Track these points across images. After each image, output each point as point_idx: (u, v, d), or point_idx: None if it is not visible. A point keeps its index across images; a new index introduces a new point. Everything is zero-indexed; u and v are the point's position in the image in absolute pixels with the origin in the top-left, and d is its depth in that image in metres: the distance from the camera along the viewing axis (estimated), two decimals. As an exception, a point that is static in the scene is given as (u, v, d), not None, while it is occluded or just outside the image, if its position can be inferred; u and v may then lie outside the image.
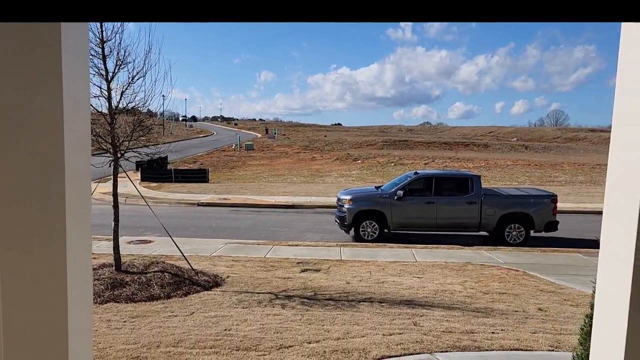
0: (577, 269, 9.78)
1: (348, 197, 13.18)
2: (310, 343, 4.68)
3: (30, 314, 1.60)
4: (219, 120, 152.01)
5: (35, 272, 1.58)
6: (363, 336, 4.95)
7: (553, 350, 4.80)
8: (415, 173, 13.79)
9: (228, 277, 8.21)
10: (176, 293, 6.98)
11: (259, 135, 72.64)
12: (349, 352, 4.46)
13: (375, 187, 14.53)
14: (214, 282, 7.69)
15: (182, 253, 8.33)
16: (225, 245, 11.73)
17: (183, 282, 7.42)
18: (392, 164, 35.64)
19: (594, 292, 2.91)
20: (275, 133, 71.89)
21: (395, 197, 12.82)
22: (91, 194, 1.93)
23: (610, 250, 1.99)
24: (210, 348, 4.46)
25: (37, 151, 1.58)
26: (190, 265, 8.08)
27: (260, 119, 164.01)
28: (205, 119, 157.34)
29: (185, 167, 33.64)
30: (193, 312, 5.94)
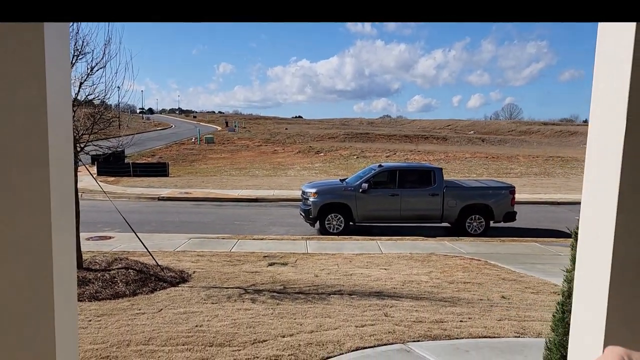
0: (535, 257, 10.13)
1: (313, 190, 13.19)
2: (284, 337, 4.67)
3: (17, 312, 1.53)
4: (177, 112, 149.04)
5: (21, 269, 1.51)
6: (336, 328, 4.98)
7: (519, 337, 4.96)
8: (380, 166, 13.92)
9: (194, 272, 8.09)
10: (142, 290, 6.82)
11: (219, 128, 71.68)
12: (323, 344, 4.48)
13: (340, 180, 14.60)
14: (180, 278, 7.57)
15: (147, 249, 8.15)
16: (189, 240, 11.55)
17: (149, 278, 7.26)
18: (355, 157, 35.88)
19: (565, 280, 3.00)
20: (235, 126, 71.12)
21: (360, 190, 12.91)
22: (74, 189, 1.87)
23: (589, 240, 2.06)
24: (183, 345, 4.39)
25: (21, 147, 1.51)
26: (156, 261, 7.92)
27: (219, 112, 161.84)
28: (163, 111, 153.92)
29: (143, 161, 32.87)
30: (161, 309, 5.83)
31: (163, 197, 19.51)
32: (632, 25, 1.82)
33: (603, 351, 1.73)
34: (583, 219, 2.16)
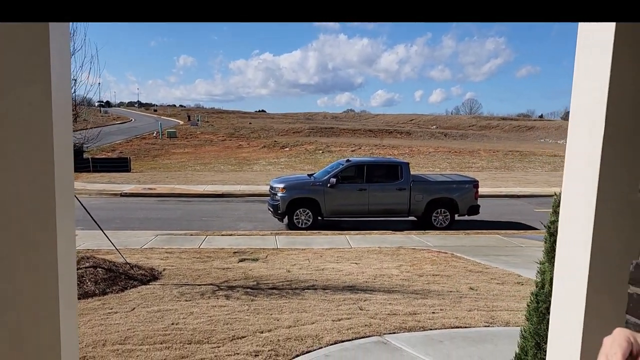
0: (498, 249, 10.45)
1: (281, 186, 13.20)
2: (262, 332, 4.70)
3: (25, 310, 1.53)
4: (136, 105, 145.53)
5: (26, 266, 1.51)
6: (313, 323, 5.04)
7: (489, 326, 5.14)
8: (347, 161, 14.04)
9: (164, 269, 8.00)
10: (112, 289, 6.70)
11: (181, 122, 70.51)
12: (302, 339, 4.53)
13: (308, 175, 14.65)
14: (151, 276, 7.46)
15: (115, 247, 8.00)
16: (156, 237, 11.39)
17: (118, 277, 7.14)
18: (320, 152, 35.99)
19: (538, 271, 3.14)
20: (198, 120, 70.10)
21: (328, 185, 13.00)
22: (74, 189, 1.86)
23: (568, 236, 2.17)
24: (161, 343, 4.36)
25: (27, 147, 1.50)
26: (125, 259, 7.78)
27: (180, 105, 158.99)
28: (121, 104, 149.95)
29: (104, 156, 32.08)
30: (134, 308, 5.75)
31: (126, 193, 19.13)
32: (612, 25, 1.93)
33: (582, 343, 1.84)
34: (563, 214, 2.27)
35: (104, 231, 8.30)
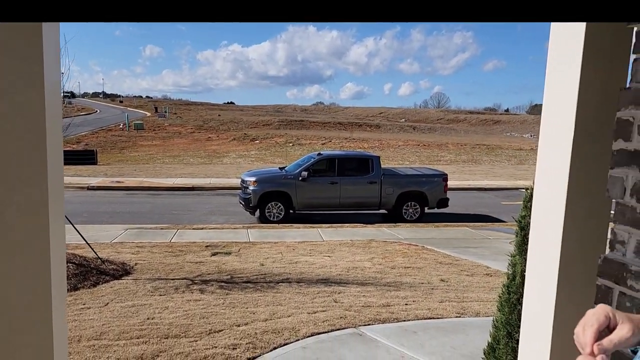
0: (467, 241, 10.71)
1: (252, 179, 13.17)
2: (239, 326, 4.73)
3: (19, 307, 1.55)
4: (101, 96, 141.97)
5: (19, 262, 1.52)
6: (289, 316, 5.10)
7: (460, 317, 5.30)
8: (319, 154, 14.10)
9: (136, 264, 7.92)
10: (83, 284, 6.61)
11: (149, 114, 69.23)
12: (279, 331, 4.59)
13: (280, 168, 14.66)
14: (123, 270, 7.39)
15: (86, 241, 7.87)
16: (126, 231, 11.23)
17: (90, 272, 7.04)
18: (291, 144, 35.94)
19: (509, 264, 3.27)
20: (165, 112, 68.92)
21: (300, 178, 13.04)
22: (63, 189, 1.87)
23: (540, 230, 2.29)
24: (138, 338, 4.35)
25: (20, 147, 1.51)
26: (96, 254, 7.67)
27: (147, 96, 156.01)
28: (85, 95, 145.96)
29: (68, 148, 31.25)
30: (107, 303, 5.69)
31: (93, 186, 18.73)
32: (583, 25, 2.03)
33: (552, 332, 1.95)
34: (535, 209, 2.38)
35: (74, 225, 8.15)
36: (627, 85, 1.56)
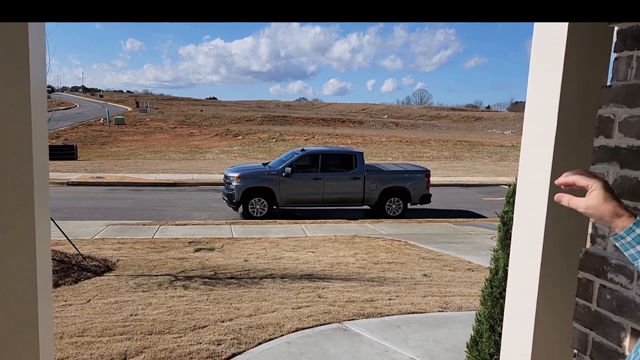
0: (450, 237, 10.82)
1: (236, 175, 13.12)
2: (224, 322, 4.72)
3: (4, 304, 1.54)
4: (81, 91, 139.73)
5: (8, 264, 1.51)
6: (274, 311, 5.10)
7: (443, 311, 5.37)
8: (302, 150, 14.09)
9: (118, 260, 7.85)
10: (65, 281, 6.53)
11: (130, 109, 68.40)
12: (264, 327, 4.59)
13: (263, 164, 14.62)
14: (105, 267, 7.31)
15: (67, 237, 7.77)
16: (107, 227, 11.11)
17: (71, 268, 6.95)
18: (274, 140, 35.84)
19: (492, 258, 3.32)
20: (147, 107, 68.17)
21: (284, 174, 13.03)
22: (49, 187, 1.86)
23: (523, 225, 2.33)
24: (121, 335, 4.31)
25: (5, 140, 1.49)
26: (77, 250, 7.58)
27: (128, 91, 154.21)
28: (65, 89, 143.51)
29: (48, 143, 30.74)
30: (89, 300, 5.64)
31: (73, 182, 18.48)
32: (565, 25, 2.07)
33: (534, 324, 1.99)
34: (518, 205, 2.42)
35: (54, 221, 8.03)
36: (608, 84, 1.60)
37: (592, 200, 1.04)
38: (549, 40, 2.09)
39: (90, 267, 7.16)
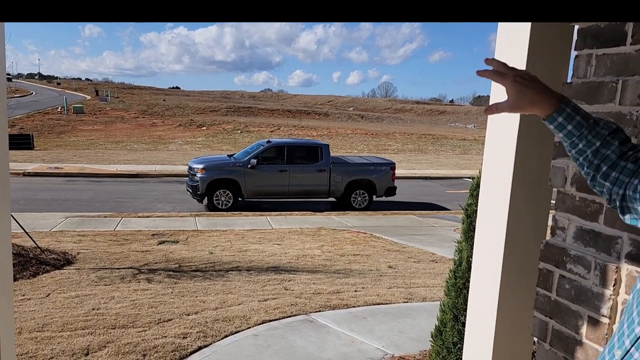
0: (414, 229, 10.99)
1: (200, 166, 12.96)
2: (189, 315, 4.68)
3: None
4: (37, 78, 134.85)
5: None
6: (240, 304, 5.09)
7: (407, 302, 5.46)
8: (268, 142, 14.02)
9: (79, 253, 7.66)
10: (22, 274, 6.33)
11: (89, 97, 66.44)
12: (230, 319, 4.57)
13: (228, 155, 14.48)
14: (64, 260, 7.12)
15: (24, 229, 7.52)
16: (67, 220, 10.81)
17: (29, 261, 6.74)
18: (239, 131, 35.51)
19: (456, 250, 3.39)
20: (107, 95, 66.40)
21: (249, 166, 12.95)
22: (9, 177, 1.80)
23: (486, 218, 2.39)
24: (83, 329, 4.22)
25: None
26: (35, 243, 7.35)
27: (87, 79, 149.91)
28: (20, 76, 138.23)
29: (7, 134, 29.58)
30: (49, 294, 5.49)
31: (29, 172, 17.87)
32: (528, 25, 2.13)
33: (497, 313, 2.06)
34: (482, 198, 2.48)
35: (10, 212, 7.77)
36: (569, 81, 1.66)
37: (510, 98, 1.04)
38: (512, 38, 2.14)
39: (49, 261, 6.97)
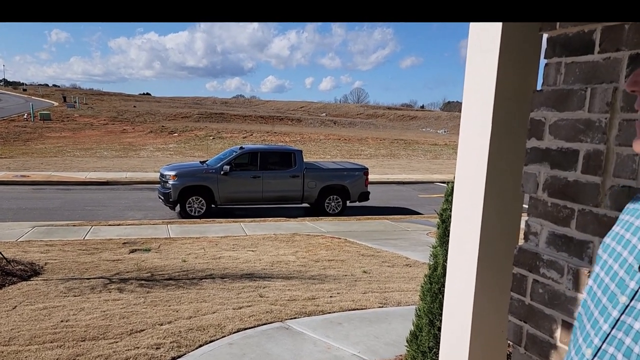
0: (387, 233, 11.06)
1: (172, 173, 12.79)
2: (162, 325, 4.59)
3: None
4: (2, 84, 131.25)
5: None
6: (214, 312, 5.02)
7: (382, 307, 5.48)
8: (241, 148, 13.93)
9: (46, 263, 7.45)
10: (-13, 287, 6.12)
11: (56, 104, 64.91)
12: (204, 329, 4.50)
13: (201, 162, 14.33)
14: (31, 271, 6.91)
15: (-12, 241, 7.28)
16: (34, 229, 10.51)
17: (-6, 273, 6.52)
18: (211, 138, 35.19)
19: (431, 255, 3.41)
20: (75, 102, 65.00)
21: (222, 172, 12.84)
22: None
23: (460, 223, 2.42)
24: (51, 342, 4.09)
25: None
26: (1, 253, 7.12)
27: (54, 85, 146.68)
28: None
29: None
30: (15, 306, 5.31)
31: (-6, 181, 17.33)
32: (499, 31, 2.17)
33: (472, 317, 2.08)
34: (456, 204, 2.51)
35: (-26, 224, 7.51)
36: (539, 88, 1.69)
37: None
38: (483, 45, 2.18)
39: (15, 272, 6.75)
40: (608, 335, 0.76)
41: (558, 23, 1.53)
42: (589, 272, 1.37)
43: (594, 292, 0.84)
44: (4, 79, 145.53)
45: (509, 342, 1.74)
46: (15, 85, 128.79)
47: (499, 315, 2.15)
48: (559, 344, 1.44)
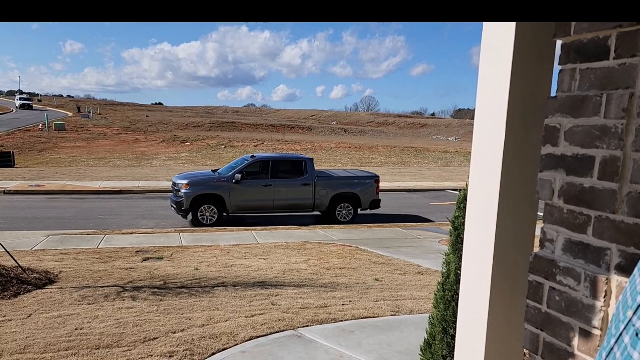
0: (399, 241, 11.01)
1: (185, 182, 12.88)
2: (175, 333, 4.61)
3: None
4: (18, 95, 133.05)
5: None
6: (227, 320, 5.03)
7: (395, 315, 5.45)
8: (252, 156, 13.99)
9: (61, 272, 7.52)
10: (3, 295, 6.18)
11: (71, 114, 65.75)
12: (217, 337, 4.51)
13: (213, 170, 14.41)
14: (47, 279, 6.98)
15: (4, 248, 7.36)
16: (48, 238, 10.62)
17: (10, 281, 6.59)
18: (223, 147, 35.39)
19: (444, 262, 3.40)
20: (90, 112, 65.77)
21: (234, 181, 12.90)
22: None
23: (474, 231, 2.40)
24: (66, 350, 4.13)
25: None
26: (16, 262, 7.20)
27: (69, 96, 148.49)
28: (0, 93, 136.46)
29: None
30: (31, 314, 5.36)
31: (10, 190, 17.56)
32: (512, 37, 2.17)
33: (487, 327, 2.06)
34: (470, 211, 2.50)
35: (-10, 233, 7.61)
36: (554, 95, 1.69)
37: None
38: (496, 52, 2.17)
39: (30, 280, 6.82)
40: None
41: (572, 29, 1.53)
42: (607, 279, 1.36)
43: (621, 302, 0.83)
44: (19, 90, 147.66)
45: (525, 350, 1.72)
46: (30, 96, 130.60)
47: (515, 323, 2.13)
48: (577, 352, 1.43)
